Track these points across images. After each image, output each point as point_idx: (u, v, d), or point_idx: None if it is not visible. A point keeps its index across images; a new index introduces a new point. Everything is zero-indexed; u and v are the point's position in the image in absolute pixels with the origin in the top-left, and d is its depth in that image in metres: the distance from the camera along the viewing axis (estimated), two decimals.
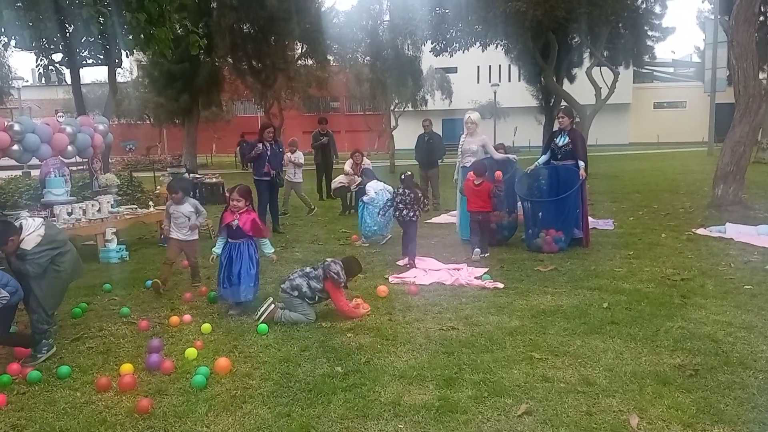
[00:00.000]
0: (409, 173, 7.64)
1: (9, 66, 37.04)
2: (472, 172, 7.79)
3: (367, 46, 26.73)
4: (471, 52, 23.07)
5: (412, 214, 7.43)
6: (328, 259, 5.43)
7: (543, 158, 8.42)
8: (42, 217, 5.29)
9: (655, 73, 55.48)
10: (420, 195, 7.62)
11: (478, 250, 7.58)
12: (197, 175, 16.76)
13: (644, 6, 22.10)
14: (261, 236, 5.63)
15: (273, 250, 5.80)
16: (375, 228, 8.70)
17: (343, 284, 5.30)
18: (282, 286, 5.36)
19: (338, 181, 12.50)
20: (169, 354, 4.50)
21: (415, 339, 4.71)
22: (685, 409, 3.45)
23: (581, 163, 7.94)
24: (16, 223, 4.62)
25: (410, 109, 34.52)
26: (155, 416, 3.53)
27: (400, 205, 7.49)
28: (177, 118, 27.37)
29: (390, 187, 8.81)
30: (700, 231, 9.00)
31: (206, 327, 5.04)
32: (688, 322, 4.93)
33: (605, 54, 22.88)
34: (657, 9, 23.61)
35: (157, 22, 10.87)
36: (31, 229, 4.53)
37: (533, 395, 3.67)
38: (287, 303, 5.25)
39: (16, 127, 7.48)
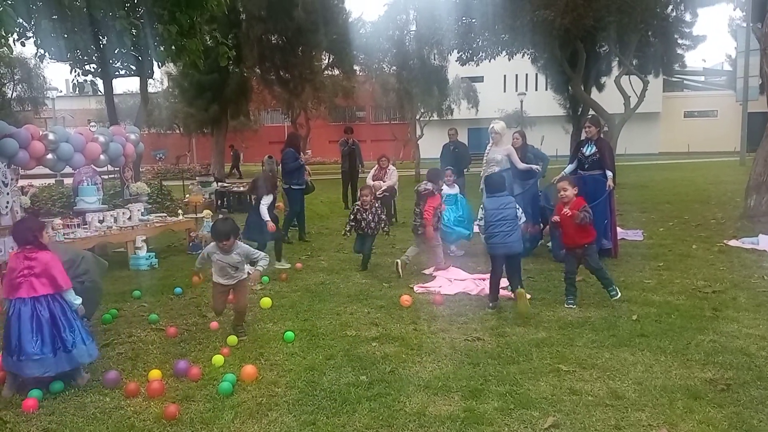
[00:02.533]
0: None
1: (44, 77, 38.08)
2: (564, 191, 5.86)
3: (394, 56, 26.89)
4: (497, 61, 23.02)
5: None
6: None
7: (569, 168, 8.34)
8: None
9: (685, 81, 54.64)
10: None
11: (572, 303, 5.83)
12: (225, 184, 16.99)
13: (674, 14, 21.79)
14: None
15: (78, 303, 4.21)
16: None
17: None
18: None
19: None
20: (196, 361, 4.55)
21: (441, 349, 4.69)
22: (717, 424, 3.37)
23: (609, 173, 7.84)
24: None
25: (436, 118, 34.55)
26: (182, 422, 3.57)
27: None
28: (206, 127, 27.80)
29: None
30: (732, 242, 8.81)
31: (232, 339, 5.04)
32: (719, 335, 4.83)
33: (634, 62, 22.59)
34: (687, 17, 23.25)
35: (188, 34, 11.08)
36: None
37: (560, 408, 3.62)
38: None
39: (51, 137, 7.66)
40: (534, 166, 8.55)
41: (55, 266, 4.10)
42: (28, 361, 3.94)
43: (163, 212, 10.93)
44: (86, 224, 8.27)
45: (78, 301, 4.18)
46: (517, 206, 5.80)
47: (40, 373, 3.96)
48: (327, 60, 29.32)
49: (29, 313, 4.01)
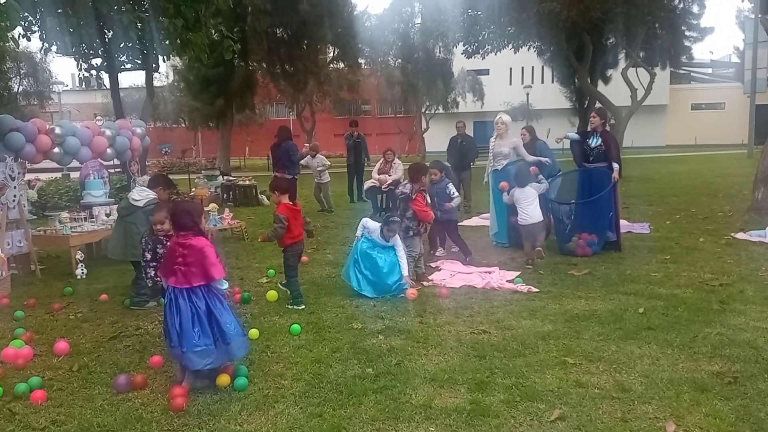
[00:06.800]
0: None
1: (50, 71, 38.20)
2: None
3: (399, 49, 26.90)
4: (503, 53, 22.98)
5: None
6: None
7: (574, 135, 8.49)
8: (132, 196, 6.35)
9: (692, 73, 54.30)
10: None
11: None
12: (231, 178, 17.02)
13: (682, 5, 21.67)
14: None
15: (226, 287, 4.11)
16: None
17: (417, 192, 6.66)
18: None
19: (369, 182, 12.54)
20: None
21: (446, 342, 4.69)
22: (724, 417, 3.36)
23: (615, 165, 7.82)
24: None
25: (441, 111, 34.54)
26: (190, 414, 3.59)
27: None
28: (211, 121, 27.81)
29: None
30: (740, 235, 8.77)
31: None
32: (726, 328, 4.81)
33: (641, 55, 22.50)
34: (695, 8, 23.17)
35: (194, 28, 11.08)
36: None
37: (566, 401, 3.62)
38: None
39: (58, 130, 7.68)
40: (544, 159, 8.49)
41: (208, 254, 3.91)
42: (190, 353, 3.83)
43: None
44: (93, 218, 8.31)
45: (224, 286, 4.03)
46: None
47: (201, 365, 3.85)
48: (332, 53, 29.27)
49: (186, 304, 3.89)
